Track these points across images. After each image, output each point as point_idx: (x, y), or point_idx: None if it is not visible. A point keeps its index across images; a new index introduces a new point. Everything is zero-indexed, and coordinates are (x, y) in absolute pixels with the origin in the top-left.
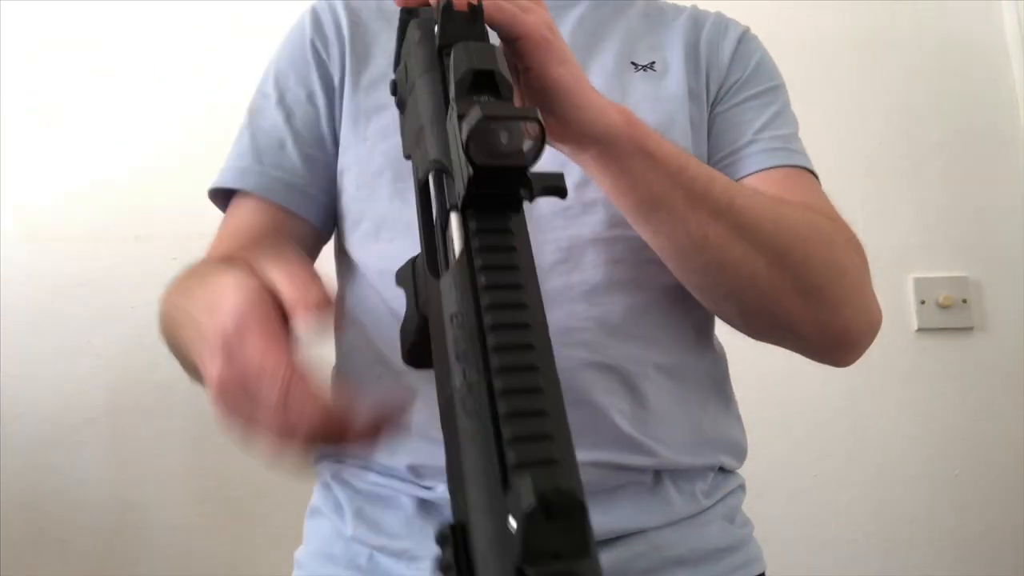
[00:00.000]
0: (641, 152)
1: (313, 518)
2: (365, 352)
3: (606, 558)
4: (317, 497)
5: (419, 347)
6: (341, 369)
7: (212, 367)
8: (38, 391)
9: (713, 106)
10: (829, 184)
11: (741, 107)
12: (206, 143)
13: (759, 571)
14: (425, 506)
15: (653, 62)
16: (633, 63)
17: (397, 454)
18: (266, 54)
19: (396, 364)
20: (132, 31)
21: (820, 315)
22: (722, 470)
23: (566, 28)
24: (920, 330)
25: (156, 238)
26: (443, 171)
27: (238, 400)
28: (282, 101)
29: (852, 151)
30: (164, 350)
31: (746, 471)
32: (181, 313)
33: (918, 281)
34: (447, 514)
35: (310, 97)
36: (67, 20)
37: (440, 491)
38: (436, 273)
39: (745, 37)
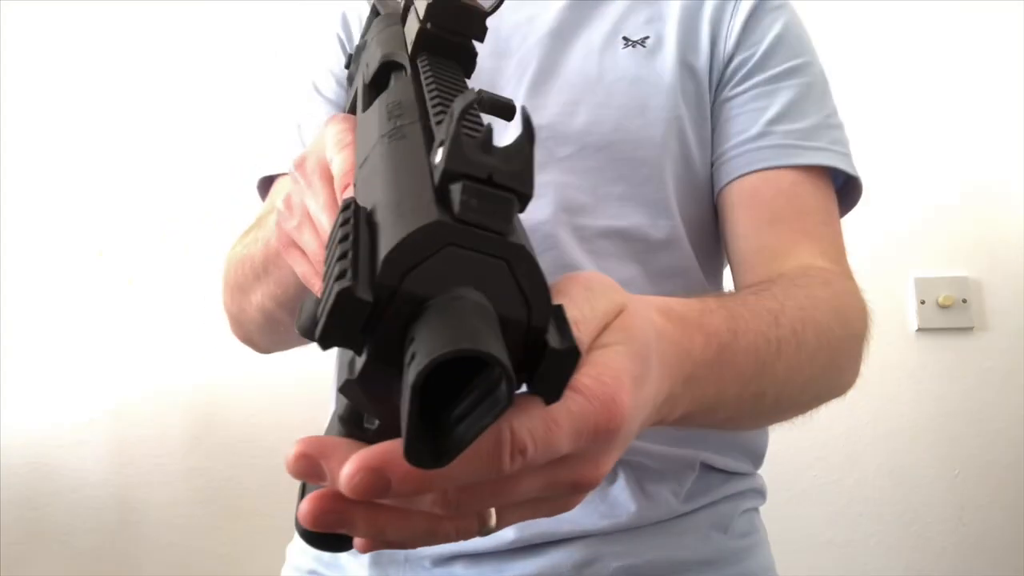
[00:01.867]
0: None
1: None
2: None
3: (539, 563)
4: None
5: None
6: None
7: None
8: (39, 391)
9: (719, 89)
10: None
11: (749, 93)
12: (207, 142)
13: None
14: None
15: (646, 37)
16: (625, 38)
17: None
18: (267, 54)
19: None
20: (132, 31)
21: (824, 403)
22: (712, 470)
23: (558, 4)
24: (920, 330)
25: (157, 238)
26: (391, 65)
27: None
28: (317, 90)
29: (852, 151)
30: (166, 350)
31: (761, 475)
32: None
33: (918, 281)
34: None
35: (339, 82)
36: (67, 20)
37: None
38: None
39: (763, 6)
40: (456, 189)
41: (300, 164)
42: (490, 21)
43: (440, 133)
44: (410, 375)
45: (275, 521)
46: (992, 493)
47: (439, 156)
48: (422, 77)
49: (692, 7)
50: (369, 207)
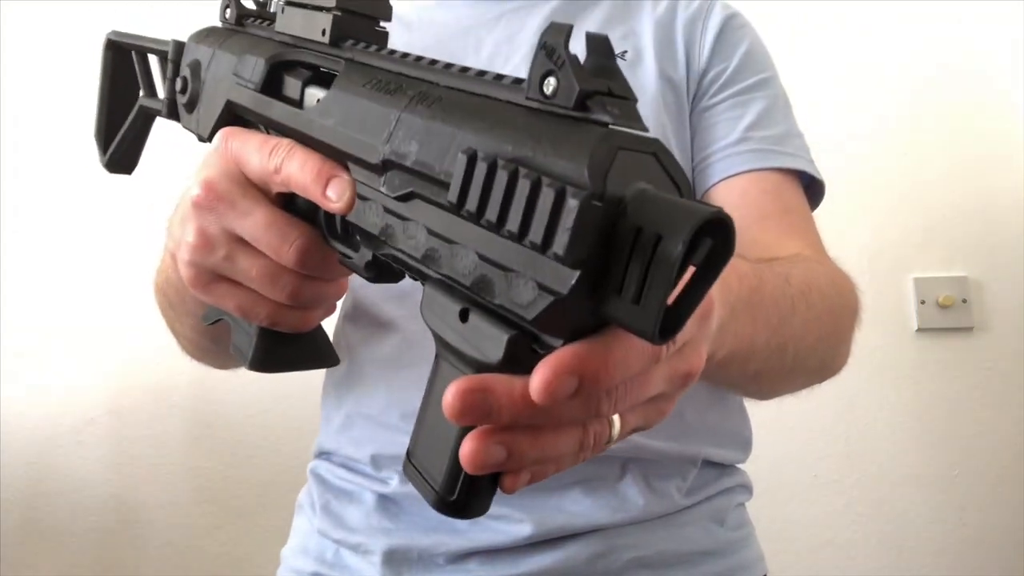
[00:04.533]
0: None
1: (296, 514)
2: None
3: (555, 556)
4: (302, 493)
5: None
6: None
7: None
8: (38, 391)
9: (696, 100)
10: (829, 184)
11: (725, 103)
12: (205, 144)
13: None
14: (384, 501)
15: (624, 51)
16: None
17: (362, 445)
18: None
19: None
20: (133, 31)
21: (822, 377)
22: (711, 465)
23: (534, 25)
24: (920, 330)
25: (157, 236)
26: (281, 65)
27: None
28: None
29: (852, 151)
30: (164, 350)
31: (746, 471)
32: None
33: (918, 281)
34: (404, 508)
35: None
36: (67, 20)
37: (395, 484)
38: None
39: (729, 24)
40: (597, 103)
41: (208, 190)
42: (470, 39)
43: (537, 68)
44: (674, 245)
45: (274, 521)
46: (992, 493)
47: (552, 85)
48: (381, 54)
49: (664, 23)
50: (468, 152)
